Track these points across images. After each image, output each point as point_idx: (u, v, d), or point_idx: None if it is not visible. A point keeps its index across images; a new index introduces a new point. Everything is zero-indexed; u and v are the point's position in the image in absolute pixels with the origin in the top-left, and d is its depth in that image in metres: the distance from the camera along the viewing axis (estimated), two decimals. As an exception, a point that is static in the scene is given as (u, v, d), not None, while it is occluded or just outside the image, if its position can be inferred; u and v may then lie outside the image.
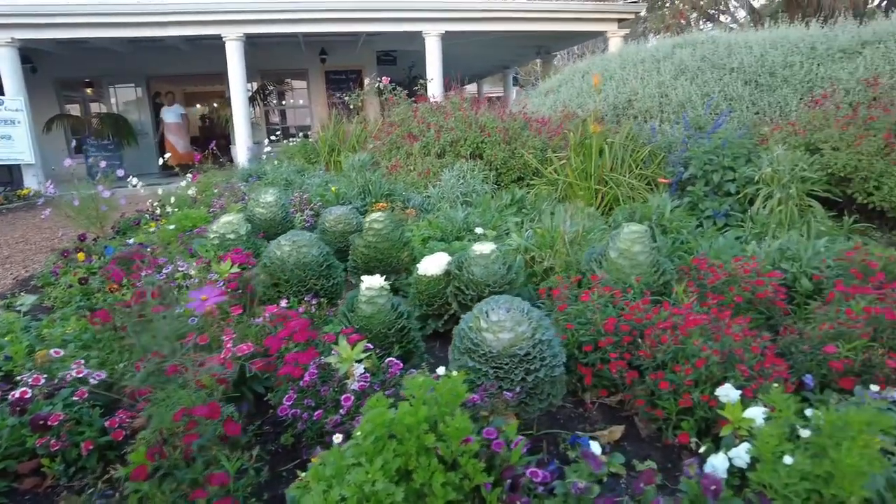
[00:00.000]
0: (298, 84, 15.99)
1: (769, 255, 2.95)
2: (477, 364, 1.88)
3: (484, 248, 2.76)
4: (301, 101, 16.39)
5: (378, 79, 8.86)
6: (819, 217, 4.26)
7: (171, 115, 12.68)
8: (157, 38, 10.77)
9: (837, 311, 2.15)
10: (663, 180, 4.47)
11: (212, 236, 3.58)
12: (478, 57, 16.41)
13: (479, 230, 3.58)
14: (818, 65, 5.96)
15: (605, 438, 2.02)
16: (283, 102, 16.86)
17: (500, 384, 1.84)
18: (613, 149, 5.14)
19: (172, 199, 5.89)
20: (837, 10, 9.05)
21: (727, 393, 1.76)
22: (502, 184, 5.99)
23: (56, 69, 13.15)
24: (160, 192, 6.07)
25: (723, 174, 4.78)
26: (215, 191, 6.06)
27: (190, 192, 6.01)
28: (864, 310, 2.12)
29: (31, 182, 10.02)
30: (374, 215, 3.55)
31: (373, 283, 2.31)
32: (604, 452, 1.96)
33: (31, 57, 12.78)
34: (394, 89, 8.54)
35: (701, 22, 13.91)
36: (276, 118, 16.57)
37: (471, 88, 22.69)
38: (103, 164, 8.26)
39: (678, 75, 7.08)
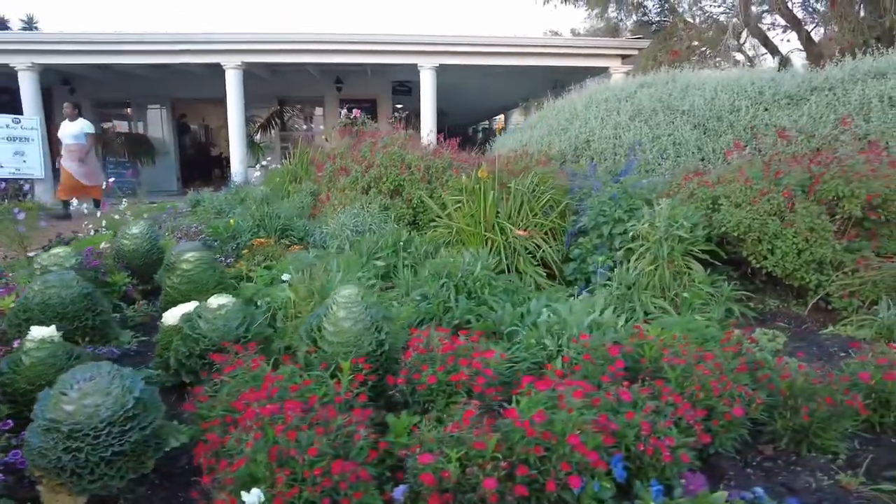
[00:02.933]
0: (317, 111, 16.44)
1: (537, 328, 2.65)
2: (34, 436, 1.75)
3: (216, 300, 2.63)
4: (322, 127, 16.84)
5: (348, 109, 8.93)
6: (698, 281, 3.84)
7: (70, 133, 8.83)
8: (170, 65, 11.40)
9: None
10: (520, 233, 4.17)
11: (36, 267, 3.62)
12: (493, 91, 16.33)
13: (285, 277, 3.43)
14: (764, 110, 5.48)
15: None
16: (313, 127, 17.39)
17: (41, 461, 1.70)
18: (512, 195, 4.88)
19: (104, 223, 6.12)
20: (840, 51, 8.36)
21: (253, 501, 1.55)
22: (420, 223, 5.83)
23: (92, 91, 14.17)
24: (99, 213, 6.30)
25: (613, 226, 4.43)
26: (145, 216, 6.23)
27: (116, 217, 6.21)
28: (508, 413, 1.84)
29: (41, 196, 10.72)
30: (187, 255, 3.49)
31: (35, 333, 2.23)
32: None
33: (70, 80, 13.90)
34: (362, 122, 8.59)
35: (708, 59, 13.26)
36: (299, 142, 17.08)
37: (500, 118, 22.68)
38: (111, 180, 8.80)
39: (634, 117, 6.72)
